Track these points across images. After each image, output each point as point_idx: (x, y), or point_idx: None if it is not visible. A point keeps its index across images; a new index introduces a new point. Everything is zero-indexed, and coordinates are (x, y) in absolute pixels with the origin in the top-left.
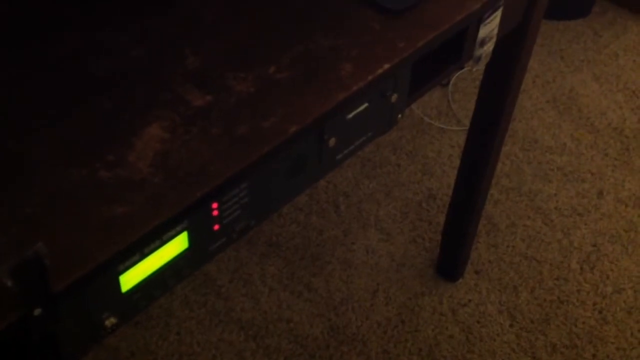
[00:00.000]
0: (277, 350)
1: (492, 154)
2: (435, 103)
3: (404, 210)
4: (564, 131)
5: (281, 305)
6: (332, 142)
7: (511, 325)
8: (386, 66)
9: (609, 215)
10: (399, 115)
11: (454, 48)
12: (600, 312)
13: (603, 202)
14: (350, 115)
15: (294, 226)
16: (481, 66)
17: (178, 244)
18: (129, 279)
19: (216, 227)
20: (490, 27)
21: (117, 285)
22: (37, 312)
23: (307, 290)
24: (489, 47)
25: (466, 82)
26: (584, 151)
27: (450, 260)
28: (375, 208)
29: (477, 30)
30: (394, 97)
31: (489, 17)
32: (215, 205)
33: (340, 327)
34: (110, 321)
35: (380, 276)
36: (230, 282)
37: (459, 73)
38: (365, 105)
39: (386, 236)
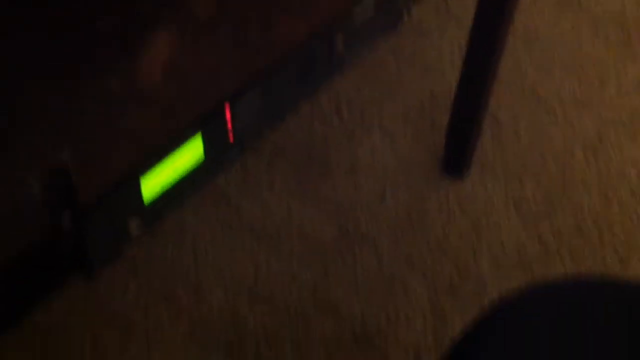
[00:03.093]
0: (290, 254)
1: (497, 46)
2: (433, 4)
3: (407, 112)
4: (564, 22)
5: (291, 212)
6: (340, 44)
7: (518, 215)
8: None
9: (612, 104)
10: (405, 12)
11: None
12: (605, 197)
13: (605, 91)
14: (358, 17)
15: (299, 134)
16: None
17: (194, 155)
18: (150, 188)
19: (230, 136)
20: None
21: (139, 193)
22: (66, 216)
23: (315, 196)
24: None
25: None
26: (585, 40)
27: (456, 158)
28: (378, 112)
29: None
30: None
31: None
32: (228, 113)
33: (350, 229)
34: (134, 228)
35: (387, 178)
36: (239, 192)
37: None
38: (373, 7)
39: (390, 139)
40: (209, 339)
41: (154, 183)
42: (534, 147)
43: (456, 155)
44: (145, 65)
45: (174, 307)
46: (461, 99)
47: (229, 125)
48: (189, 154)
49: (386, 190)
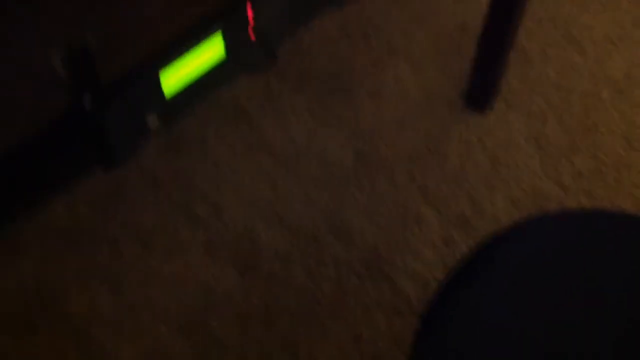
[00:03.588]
0: (307, 175)
1: None
2: None
3: (435, 41)
4: None
5: (310, 134)
6: None
7: (538, 153)
8: None
9: None
10: None
11: None
12: (627, 140)
13: (638, 32)
14: None
15: (324, 58)
16: None
17: (215, 50)
18: (170, 81)
19: (251, 35)
20: None
21: (159, 85)
22: (87, 102)
23: (336, 120)
24: None
25: None
26: None
27: (480, 91)
28: (406, 38)
29: None
30: None
31: None
32: (250, 11)
33: (368, 154)
34: (155, 122)
35: (409, 106)
36: (261, 113)
37: None
38: None
39: (416, 67)
40: (224, 254)
41: (174, 77)
42: (560, 86)
43: (481, 88)
44: None
45: (192, 221)
46: (488, 32)
47: (251, 22)
48: (210, 51)
49: (406, 119)
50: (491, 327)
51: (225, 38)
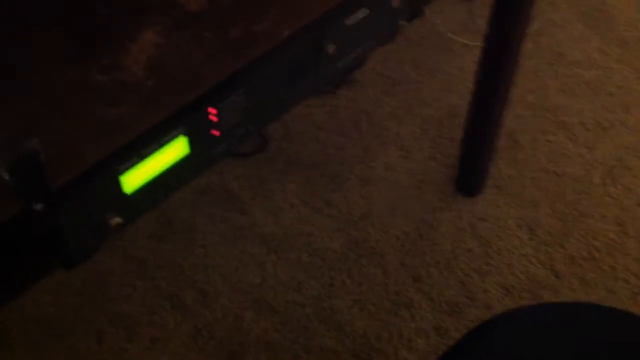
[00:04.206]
0: (298, 262)
1: (509, 60)
2: (459, 18)
3: (425, 127)
4: (592, 45)
5: (301, 220)
6: (330, 48)
7: (530, 239)
8: None
9: (635, 130)
10: (403, 23)
11: None
12: (620, 225)
13: (630, 117)
14: (349, 21)
15: (314, 144)
16: None
17: (178, 149)
18: (131, 181)
19: (216, 132)
20: None
21: (119, 186)
22: (38, 207)
23: (326, 206)
24: None
25: None
26: (612, 65)
27: (470, 176)
28: (396, 125)
29: None
30: (396, 2)
31: None
32: (212, 110)
33: (359, 241)
34: (116, 221)
35: (400, 192)
36: (252, 199)
37: None
38: (365, 10)
39: (406, 153)
40: (212, 345)
41: (135, 176)
42: (551, 171)
43: (470, 174)
44: (128, 56)
45: (180, 310)
46: (474, 117)
47: (214, 118)
48: (173, 147)
49: (397, 204)
50: None
51: (190, 143)
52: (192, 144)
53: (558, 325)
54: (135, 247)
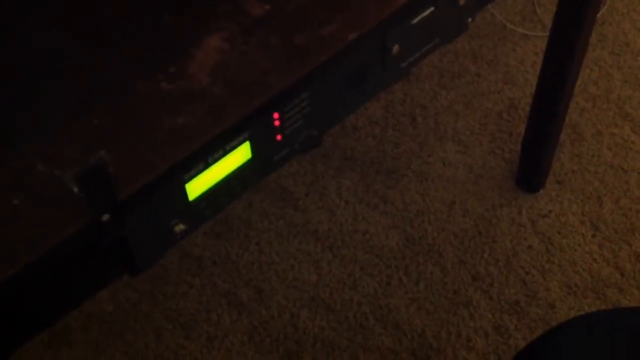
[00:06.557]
0: (353, 260)
1: (575, 54)
2: (519, 8)
3: (483, 122)
4: None
5: (357, 218)
6: (395, 49)
7: (594, 236)
8: None
9: None
10: (469, 20)
11: None
12: None
13: None
14: (415, 21)
15: (370, 140)
16: None
17: (241, 154)
18: (195, 188)
19: (279, 137)
20: None
21: (184, 193)
22: (105, 217)
23: (382, 202)
24: None
25: None
26: None
27: (531, 171)
28: (453, 120)
29: None
30: (463, 0)
31: None
32: (276, 115)
33: (416, 238)
34: (180, 227)
35: (457, 188)
36: (307, 196)
37: None
38: (431, 9)
39: (464, 148)
40: (268, 342)
41: (199, 183)
42: (615, 165)
43: (531, 169)
44: (194, 64)
45: (235, 307)
46: (537, 111)
47: (277, 123)
48: (236, 153)
49: (456, 201)
50: None
51: (252, 148)
52: (255, 149)
53: (634, 332)
54: (191, 244)
